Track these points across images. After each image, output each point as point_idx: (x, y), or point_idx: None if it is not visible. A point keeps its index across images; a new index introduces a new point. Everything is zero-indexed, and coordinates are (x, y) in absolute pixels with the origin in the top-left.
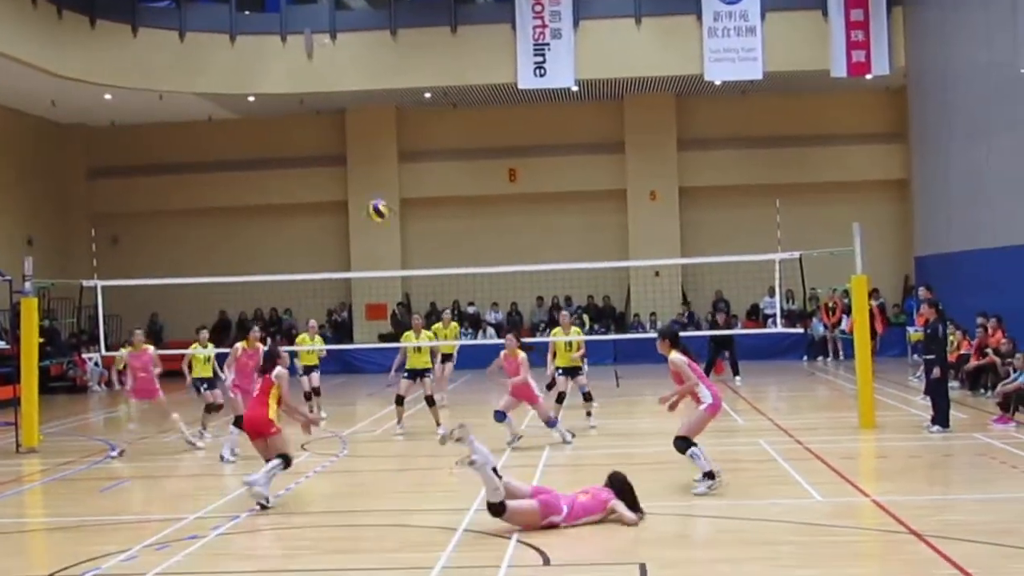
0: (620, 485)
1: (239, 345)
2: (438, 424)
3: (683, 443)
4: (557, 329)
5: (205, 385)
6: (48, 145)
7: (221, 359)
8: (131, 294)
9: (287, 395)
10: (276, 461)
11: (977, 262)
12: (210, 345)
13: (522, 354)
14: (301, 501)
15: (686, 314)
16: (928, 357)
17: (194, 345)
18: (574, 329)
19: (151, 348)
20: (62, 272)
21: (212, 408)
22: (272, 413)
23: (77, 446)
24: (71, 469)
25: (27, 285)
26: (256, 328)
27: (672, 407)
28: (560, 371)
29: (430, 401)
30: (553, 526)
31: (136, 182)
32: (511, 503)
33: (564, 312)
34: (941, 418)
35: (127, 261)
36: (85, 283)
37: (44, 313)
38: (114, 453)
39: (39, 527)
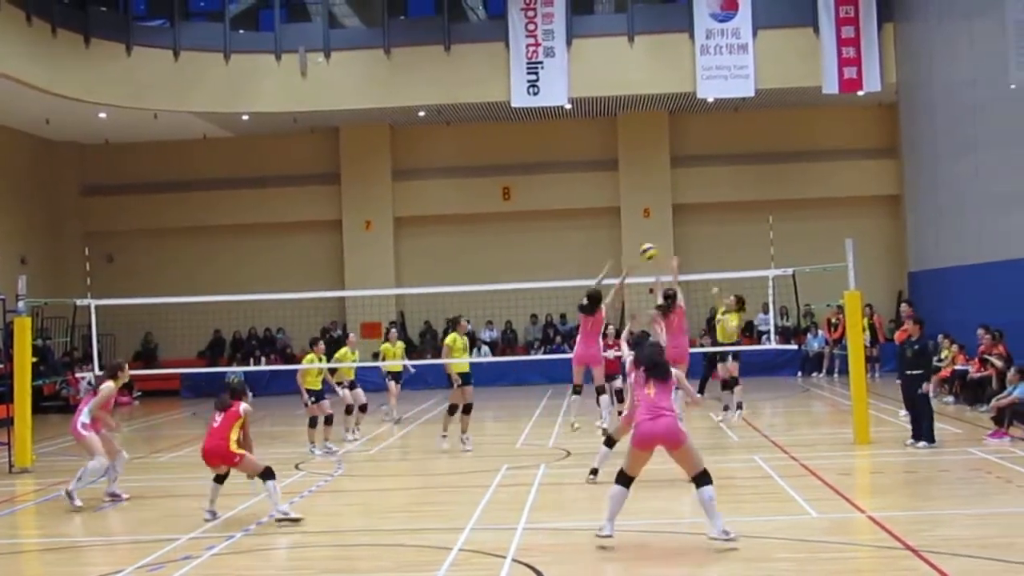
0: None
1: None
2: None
3: None
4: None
5: (313, 398)
6: (42, 163)
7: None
8: (125, 313)
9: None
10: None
11: (966, 277)
12: (324, 358)
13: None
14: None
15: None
16: (916, 372)
17: (309, 357)
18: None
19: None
20: (56, 291)
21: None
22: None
23: (70, 465)
24: (64, 489)
25: (20, 304)
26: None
27: None
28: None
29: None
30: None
31: (130, 200)
32: None
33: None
34: (927, 433)
35: (121, 279)
36: (79, 302)
37: (37, 332)
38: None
39: (32, 547)
